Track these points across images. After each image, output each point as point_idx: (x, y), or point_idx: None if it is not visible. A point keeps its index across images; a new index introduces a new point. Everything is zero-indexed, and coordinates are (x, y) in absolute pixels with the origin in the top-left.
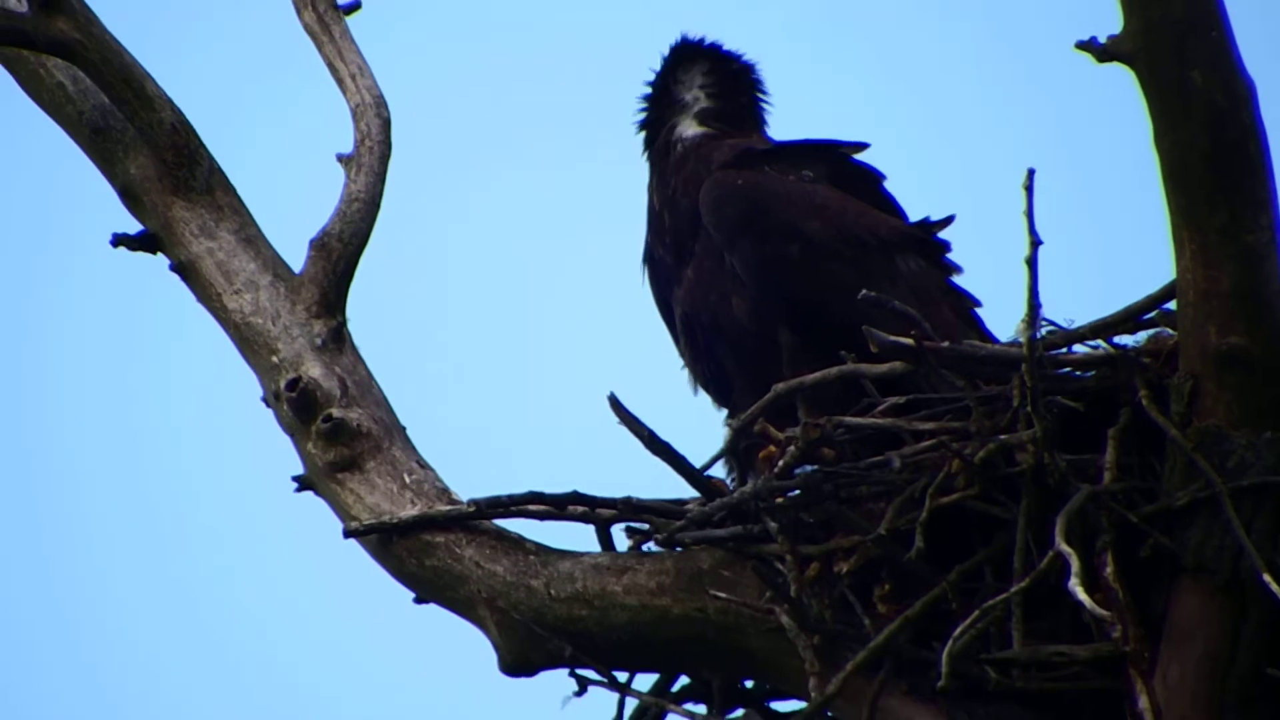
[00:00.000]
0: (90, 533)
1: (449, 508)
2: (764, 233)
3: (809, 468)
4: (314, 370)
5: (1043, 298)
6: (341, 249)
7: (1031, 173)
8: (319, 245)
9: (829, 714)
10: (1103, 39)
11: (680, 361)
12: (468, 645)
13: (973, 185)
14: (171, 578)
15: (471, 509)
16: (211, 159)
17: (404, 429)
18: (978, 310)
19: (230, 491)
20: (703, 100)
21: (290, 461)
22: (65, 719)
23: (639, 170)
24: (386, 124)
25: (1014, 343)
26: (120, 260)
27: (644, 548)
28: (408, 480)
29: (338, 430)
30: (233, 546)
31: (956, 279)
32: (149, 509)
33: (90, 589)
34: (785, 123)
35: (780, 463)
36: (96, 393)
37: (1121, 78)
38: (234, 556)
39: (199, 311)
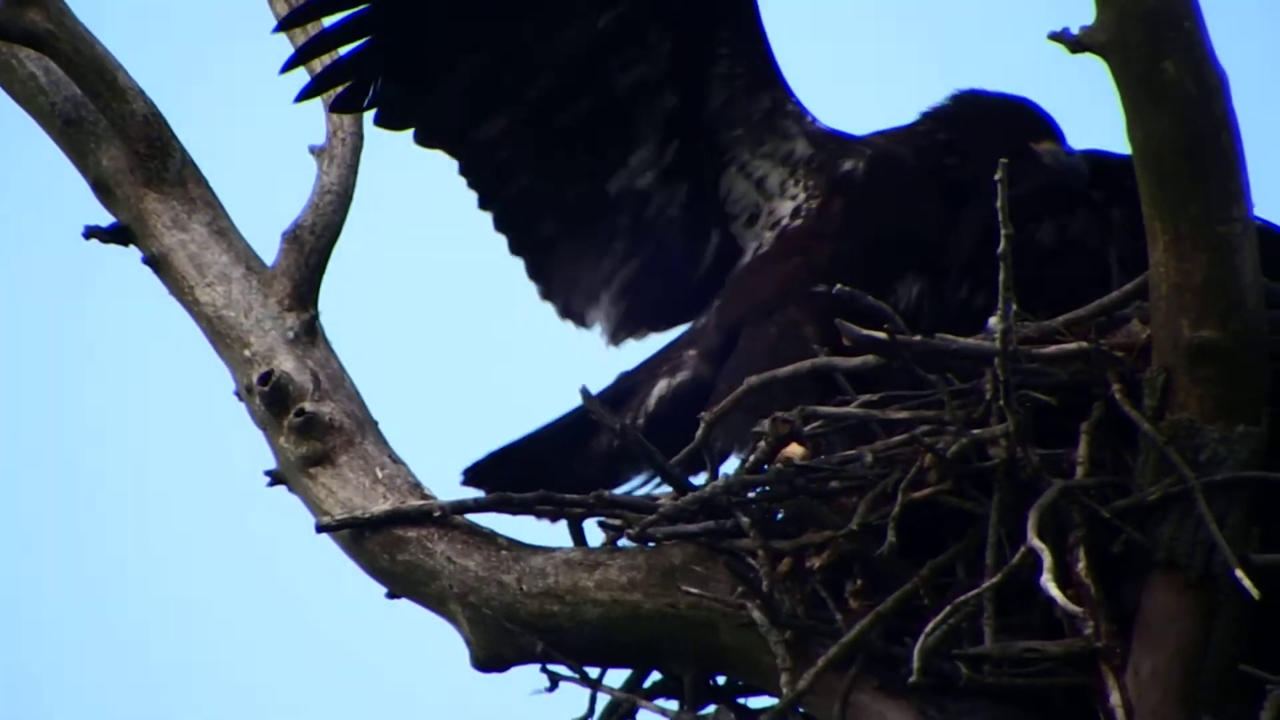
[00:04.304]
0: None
1: (421, 503)
2: None
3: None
4: (286, 364)
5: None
6: (314, 242)
7: (1004, 165)
8: (291, 238)
9: (800, 710)
10: (1075, 30)
11: None
12: (440, 640)
13: None
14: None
15: (438, 513)
16: (184, 151)
17: (376, 423)
18: None
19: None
20: None
21: (261, 458)
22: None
23: None
24: (359, 116)
25: (987, 336)
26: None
27: (617, 543)
28: (380, 475)
29: (310, 424)
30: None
31: None
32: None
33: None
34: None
35: (750, 457)
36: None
37: (1094, 70)
38: (201, 554)
39: (162, 306)
